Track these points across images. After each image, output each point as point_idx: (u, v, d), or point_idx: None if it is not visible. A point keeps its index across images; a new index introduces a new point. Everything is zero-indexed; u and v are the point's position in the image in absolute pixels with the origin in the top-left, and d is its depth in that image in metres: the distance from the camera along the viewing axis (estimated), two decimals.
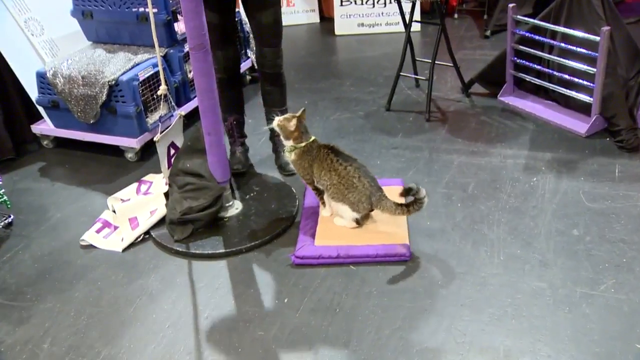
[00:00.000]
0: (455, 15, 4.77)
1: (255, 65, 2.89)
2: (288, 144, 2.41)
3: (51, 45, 3.35)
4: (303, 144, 2.39)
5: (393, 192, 2.65)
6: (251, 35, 3.87)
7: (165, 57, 3.30)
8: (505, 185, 2.72)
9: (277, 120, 2.40)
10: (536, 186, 2.69)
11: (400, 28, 3.71)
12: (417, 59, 3.71)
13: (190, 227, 2.50)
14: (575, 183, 2.68)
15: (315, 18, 5.05)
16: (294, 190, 2.74)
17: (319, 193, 2.50)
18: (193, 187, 2.55)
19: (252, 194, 2.75)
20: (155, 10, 3.16)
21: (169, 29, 3.27)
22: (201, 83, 2.34)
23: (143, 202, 2.68)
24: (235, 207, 2.64)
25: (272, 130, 2.97)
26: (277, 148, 3.00)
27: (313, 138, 2.42)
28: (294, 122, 2.35)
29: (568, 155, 2.91)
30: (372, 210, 2.39)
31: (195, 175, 2.57)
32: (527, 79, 3.37)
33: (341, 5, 4.68)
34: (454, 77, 3.68)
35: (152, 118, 3.20)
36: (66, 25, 3.42)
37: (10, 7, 3.20)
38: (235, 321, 2.05)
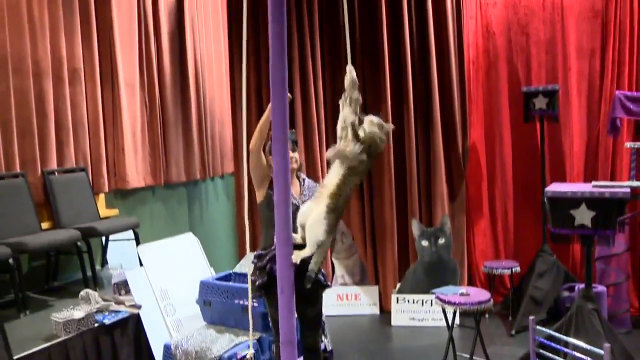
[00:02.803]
0: (487, 316, 5.10)
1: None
2: None
3: (178, 324, 3.94)
4: None
5: None
6: (326, 323, 4.38)
7: (258, 340, 3.79)
8: None
9: None
10: None
11: (444, 323, 4.07)
12: (458, 353, 4.03)
13: None
14: None
15: (376, 310, 5.42)
16: None
17: None
18: None
19: None
20: (255, 304, 3.77)
21: (265, 319, 3.83)
22: None
23: None
24: None
25: None
26: None
27: None
28: None
29: None
30: None
31: None
32: None
33: (397, 302, 5.16)
34: None
35: None
36: (191, 308, 4.02)
37: (158, 295, 3.92)
38: None
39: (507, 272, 5.00)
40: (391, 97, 5.30)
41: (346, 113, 2.19)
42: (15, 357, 3.07)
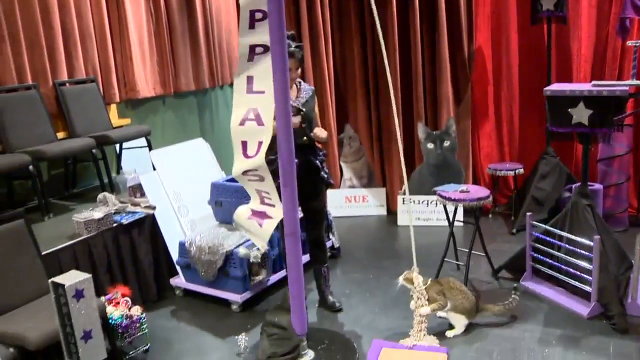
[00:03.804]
0: (490, 216, 5.24)
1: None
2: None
3: (192, 224, 4.10)
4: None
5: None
6: (334, 223, 4.54)
7: None
8: (522, 354, 3.00)
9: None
10: (547, 356, 2.97)
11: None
12: (458, 248, 4.17)
13: None
14: (578, 356, 2.95)
15: (383, 211, 5.57)
16: (355, 345, 3.17)
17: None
18: (278, 337, 3.02)
19: (322, 345, 3.15)
20: None
21: None
22: (291, 260, 2.87)
23: None
24: (308, 356, 3.03)
25: (317, 280, 3.64)
26: (322, 292, 3.64)
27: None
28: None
29: (573, 333, 3.19)
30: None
31: (281, 328, 3.04)
32: (542, 270, 3.75)
33: (403, 203, 5.28)
34: (486, 264, 4.06)
35: (255, 280, 3.79)
36: (203, 209, 4.17)
37: (171, 197, 4.05)
38: None
39: (510, 173, 5.05)
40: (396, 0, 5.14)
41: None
42: (43, 253, 3.25)
